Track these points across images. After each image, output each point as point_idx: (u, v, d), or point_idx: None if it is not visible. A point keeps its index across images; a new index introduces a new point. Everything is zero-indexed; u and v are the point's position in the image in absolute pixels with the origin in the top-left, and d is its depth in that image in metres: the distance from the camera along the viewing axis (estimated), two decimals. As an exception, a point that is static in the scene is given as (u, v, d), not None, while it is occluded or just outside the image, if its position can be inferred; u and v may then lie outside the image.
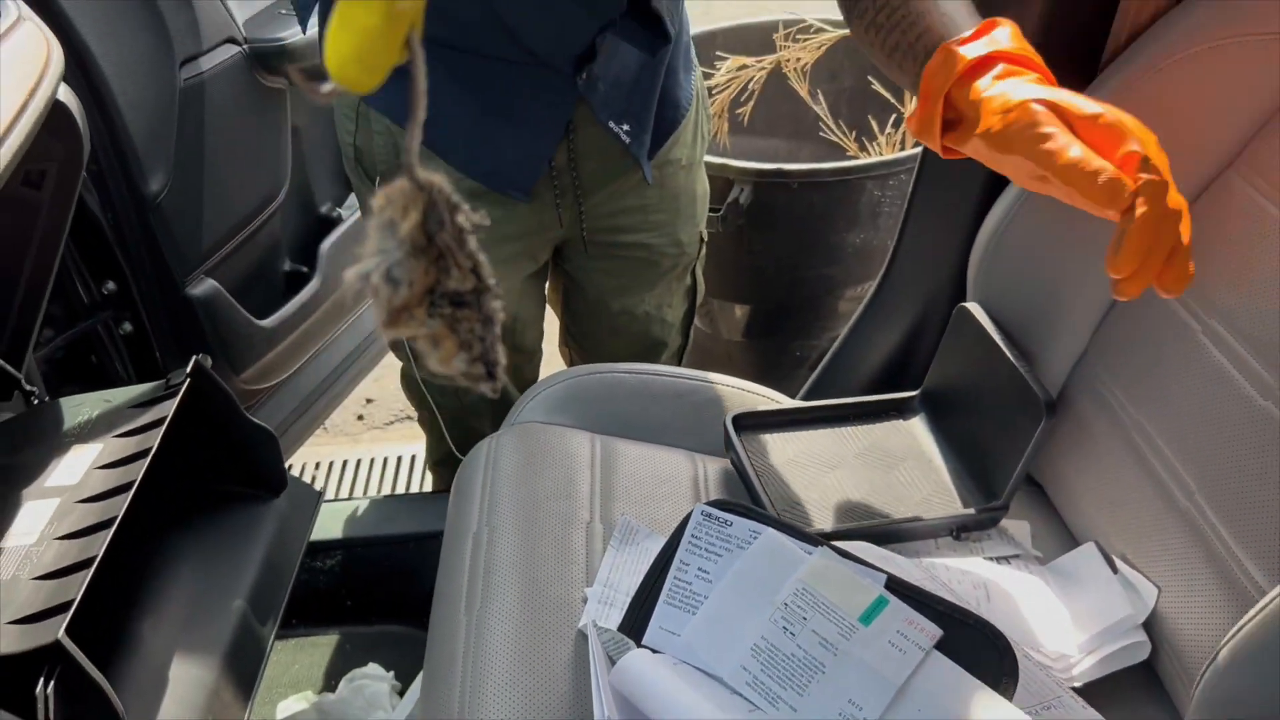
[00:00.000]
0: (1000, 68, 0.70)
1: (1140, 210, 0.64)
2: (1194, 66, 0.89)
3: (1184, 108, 0.89)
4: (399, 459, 2.06)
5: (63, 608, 0.78)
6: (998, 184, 1.05)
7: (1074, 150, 0.65)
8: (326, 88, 0.34)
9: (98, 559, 0.82)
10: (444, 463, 1.42)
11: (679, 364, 1.44)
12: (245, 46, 1.42)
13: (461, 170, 1.09)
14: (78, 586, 0.80)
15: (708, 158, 1.57)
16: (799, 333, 1.80)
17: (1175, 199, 0.65)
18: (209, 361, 1.02)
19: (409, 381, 1.33)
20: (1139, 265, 0.65)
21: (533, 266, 1.25)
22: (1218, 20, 0.88)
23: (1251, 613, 0.65)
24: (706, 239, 1.34)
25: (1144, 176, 0.64)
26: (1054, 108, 0.67)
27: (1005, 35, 0.72)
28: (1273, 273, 0.80)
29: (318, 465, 2.05)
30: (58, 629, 0.75)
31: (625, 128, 1.11)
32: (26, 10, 0.98)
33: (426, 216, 0.36)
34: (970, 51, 0.71)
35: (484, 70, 1.03)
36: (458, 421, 1.34)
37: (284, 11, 1.47)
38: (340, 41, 0.33)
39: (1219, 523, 0.78)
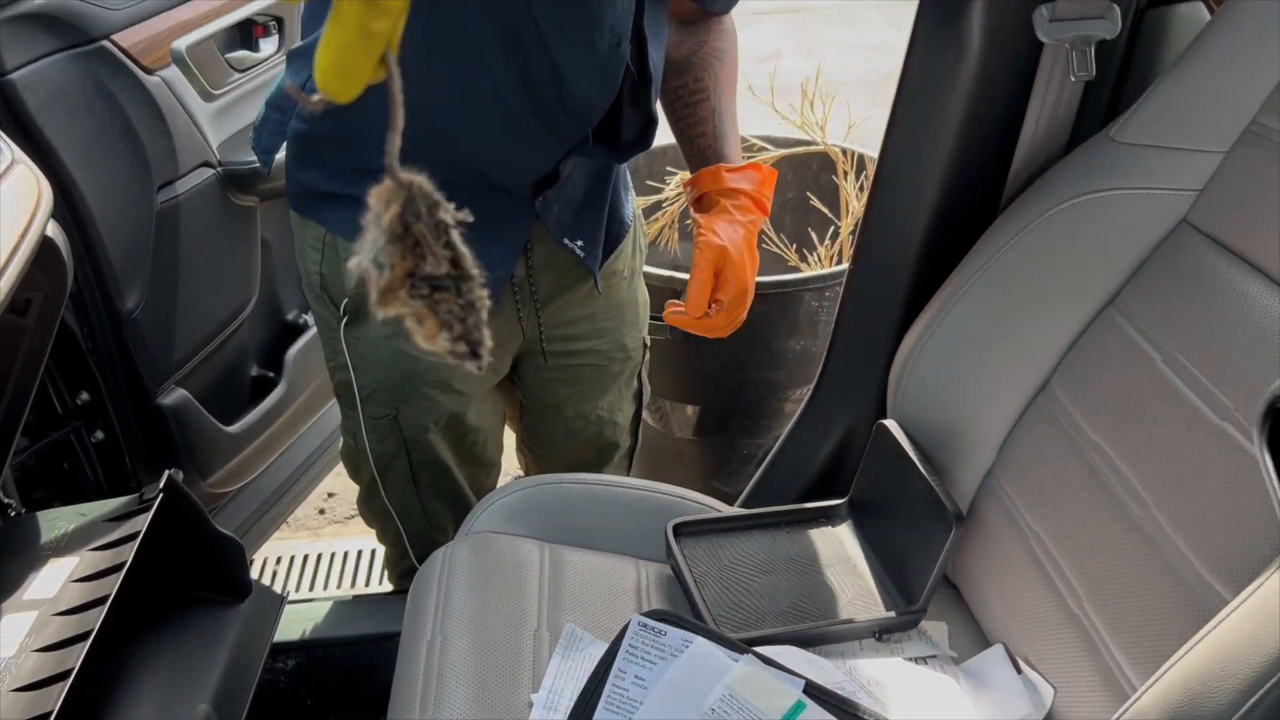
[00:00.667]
0: (742, 200, 1.14)
1: (696, 321, 1.14)
2: (1078, 214, 1.00)
3: (1071, 250, 1.00)
4: (359, 553, 2.09)
5: None
6: (913, 310, 1.15)
7: (702, 275, 1.10)
8: (315, 98, 0.42)
9: (75, 672, 0.87)
10: (406, 576, 1.46)
11: (629, 463, 1.52)
12: (219, 169, 1.51)
13: None
14: (55, 698, 0.85)
15: (657, 270, 1.68)
16: (746, 432, 1.89)
17: (719, 323, 1.15)
18: (180, 475, 1.08)
19: (371, 504, 1.37)
20: (682, 325, 1.15)
21: (495, 379, 1.32)
22: (1095, 173, 0.99)
23: (1119, 712, 0.73)
24: (649, 344, 1.44)
25: (711, 311, 1.13)
26: (722, 250, 1.10)
27: (755, 180, 1.16)
28: (1144, 403, 0.90)
29: (279, 560, 2.08)
30: (36, 740, 0.81)
31: (579, 243, 1.21)
32: (19, 153, 1.05)
33: (405, 209, 0.43)
34: (730, 181, 1.15)
35: (451, 197, 1.11)
36: (422, 536, 1.38)
37: (256, 134, 1.55)
38: (324, 57, 0.40)
39: (1102, 628, 0.87)
